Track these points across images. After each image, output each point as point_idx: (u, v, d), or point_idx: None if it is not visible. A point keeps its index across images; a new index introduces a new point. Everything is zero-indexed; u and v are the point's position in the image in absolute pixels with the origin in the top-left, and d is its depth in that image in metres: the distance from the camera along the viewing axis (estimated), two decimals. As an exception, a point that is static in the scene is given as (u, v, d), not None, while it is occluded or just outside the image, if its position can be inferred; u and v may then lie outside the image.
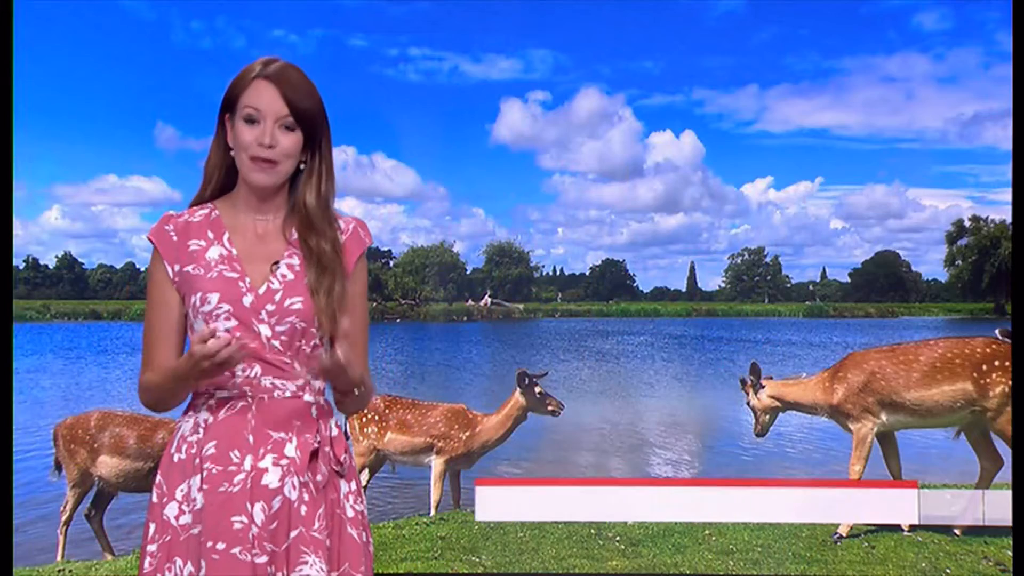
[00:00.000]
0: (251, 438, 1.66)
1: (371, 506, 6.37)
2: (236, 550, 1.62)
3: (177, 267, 1.70)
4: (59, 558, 5.26)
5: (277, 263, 1.72)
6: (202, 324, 1.67)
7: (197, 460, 1.66)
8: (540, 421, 6.09)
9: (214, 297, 1.67)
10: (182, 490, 1.66)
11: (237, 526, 1.62)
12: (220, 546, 1.62)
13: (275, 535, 1.65)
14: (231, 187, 1.78)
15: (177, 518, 1.64)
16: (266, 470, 1.66)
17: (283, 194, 1.76)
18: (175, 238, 1.72)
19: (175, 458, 1.68)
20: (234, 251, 1.72)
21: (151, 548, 1.65)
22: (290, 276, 1.72)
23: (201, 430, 1.68)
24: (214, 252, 1.71)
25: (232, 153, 1.73)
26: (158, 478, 1.69)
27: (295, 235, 1.75)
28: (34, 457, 7.70)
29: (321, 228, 1.74)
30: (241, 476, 1.64)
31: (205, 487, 1.64)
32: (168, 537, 1.64)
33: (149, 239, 1.72)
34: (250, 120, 1.69)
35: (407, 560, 4.56)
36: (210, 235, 1.73)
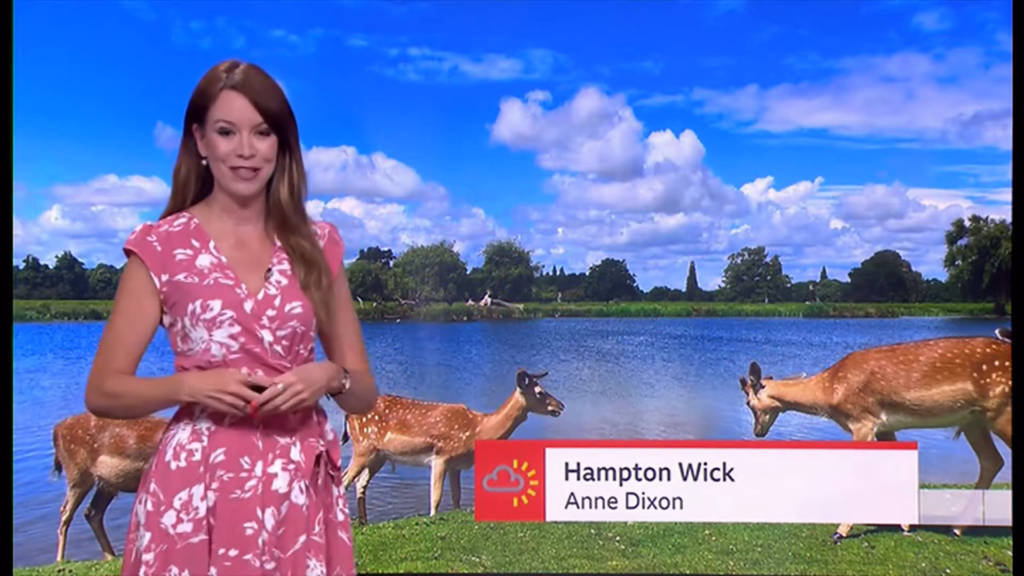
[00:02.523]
0: (260, 444, 1.67)
1: (371, 506, 6.37)
2: (248, 556, 1.63)
3: (165, 277, 1.68)
4: (59, 558, 5.26)
5: (270, 270, 1.74)
6: (203, 332, 1.67)
7: (201, 468, 1.65)
8: (540, 421, 6.09)
9: (216, 304, 1.67)
10: (181, 498, 1.64)
11: (248, 532, 1.64)
12: (232, 552, 1.63)
13: (282, 540, 1.67)
14: (205, 194, 1.78)
15: (175, 527, 1.63)
16: (276, 475, 1.67)
17: (261, 198, 1.77)
18: (159, 248, 1.69)
19: (173, 466, 1.66)
20: (223, 258, 1.72)
21: (147, 557, 1.63)
22: (284, 281, 1.73)
23: (205, 437, 1.66)
24: (204, 260, 1.70)
25: (204, 162, 1.73)
26: (152, 486, 1.66)
27: (278, 240, 1.77)
28: (34, 457, 7.71)
29: (297, 224, 1.76)
30: (252, 482, 1.66)
31: (217, 494, 1.64)
32: (165, 546, 1.63)
33: (128, 250, 1.69)
34: (225, 132, 1.69)
35: (407, 560, 4.56)
36: (195, 244, 1.71)
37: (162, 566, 1.62)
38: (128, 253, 1.70)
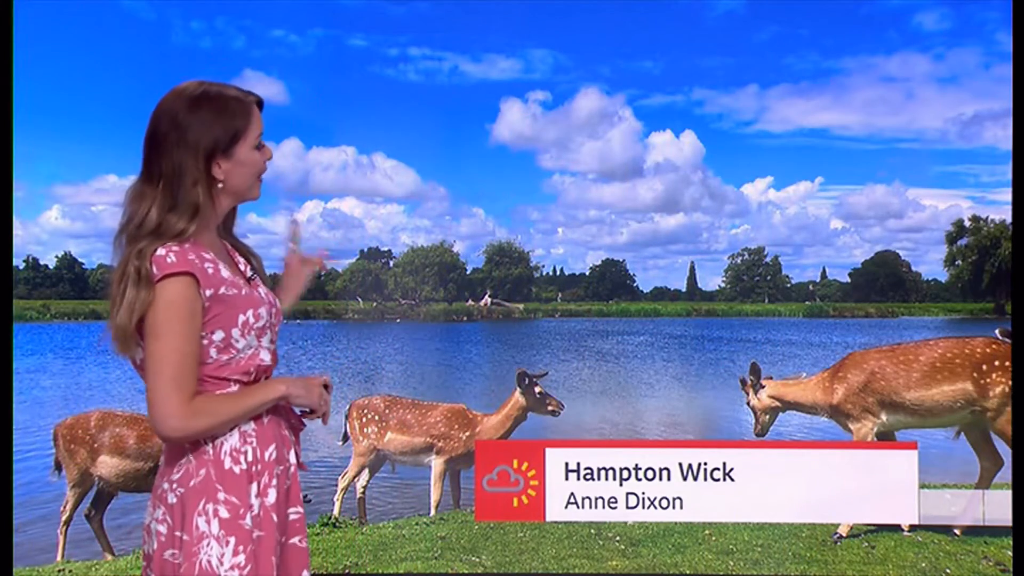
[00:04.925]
0: (288, 435, 1.82)
1: (371, 506, 6.38)
2: (295, 539, 1.81)
3: (209, 292, 1.70)
4: (59, 558, 5.26)
5: (253, 273, 1.84)
6: (253, 339, 1.75)
7: (257, 467, 1.73)
8: (540, 421, 6.09)
9: (264, 312, 1.78)
10: (240, 499, 1.72)
11: (293, 517, 1.81)
12: (294, 540, 1.80)
13: None
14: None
15: (245, 524, 1.71)
16: (293, 463, 1.85)
17: None
18: (198, 264, 1.70)
19: (236, 470, 1.71)
20: (229, 269, 1.78)
21: (237, 560, 1.67)
22: (260, 281, 1.85)
23: (252, 439, 1.74)
24: (225, 272, 1.74)
25: (221, 185, 1.75)
26: (220, 495, 1.69)
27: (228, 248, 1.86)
28: (34, 457, 7.72)
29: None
30: (292, 470, 1.82)
31: (276, 489, 1.75)
32: (251, 547, 1.70)
33: (182, 272, 1.66)
34: (260, 146, 1.80)
35: (407, 560, 4.56)
36: (207, 257, 1.73)
37: (255, 567, 1.70)
38: (170, 275, 1.66)
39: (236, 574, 1.67)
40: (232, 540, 1.68)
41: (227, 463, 1.71)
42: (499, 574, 4.38)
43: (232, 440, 1.72)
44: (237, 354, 1.73)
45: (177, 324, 1.66)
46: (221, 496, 1.69)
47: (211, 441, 1.71)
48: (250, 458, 1.72)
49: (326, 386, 1.83)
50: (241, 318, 1.72)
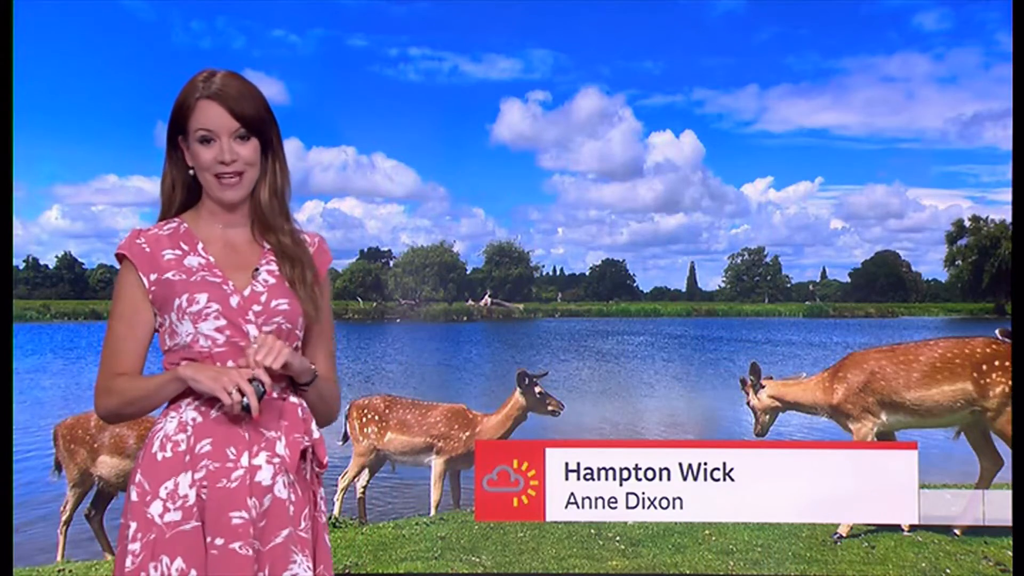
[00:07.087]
0: (247, 435, 1.70)
1: (371, 506, 6.37)
2: (236, 545, 1.65)
3: (154, 276, 1.73)
4: (59, 558, 5.26)
5: (257, 269, 1.78)
6: (189, 325, 1.70)
7: (188, 458, 1.67)
8: (540, 421, 6.09)
9: (203, 297, 1.71)
10: (167, 488, 1.66)
11: (236, 521, 1.66)
12: (219, 541, 1.65)
13: (264, 533, 1.69)
14: (192, 202, 1.83)
15: (162, 516, 1.65)
16: (260, 467, 1.69)
17: (247, 201, 1.81)
18: (148, 250, 1.74)
19: (159, 456, 1.68)
20: (211, 259, 1.76)
21: (133, 547, 1.65)
22: (271, 280, 1.78)
23: (190, 428, 1.69)
24: (193, 260, 1.75)
25: (192, 172, 1.77)
26: (137, 477, 1.68)
27: (264, 242, 1.82)
28: (34, 457, 7.70)
29: (277, 223, 1.81)
30: (239, 472, 1.67)
31: (205, 484, 1.66)
32: (153, 535, 1.64)
33: (120, 254, 1.74)
34: (205, 140, 1.73)
35: (407, 560, 4.56)
36: (184, 246, 1.76)
37: (150, 555, 1.64)
38: (120, 258, 1.75)
39: (129, 561, 1.65)
40: (133, 525, 1.66)
41: (155, 447, 1.69)
42: (499, 574, 4.38)
43: (169, 427, 1.70)
44: (180, 339, 1.72)
45: (115, 303, 1.74)
46: (137, 478, 1.68)
47: (157, 425, 1.72)
48: (182, 448, 1.68)
49: (262, 382, 1.64)
50: (176, 302, 1.71)
